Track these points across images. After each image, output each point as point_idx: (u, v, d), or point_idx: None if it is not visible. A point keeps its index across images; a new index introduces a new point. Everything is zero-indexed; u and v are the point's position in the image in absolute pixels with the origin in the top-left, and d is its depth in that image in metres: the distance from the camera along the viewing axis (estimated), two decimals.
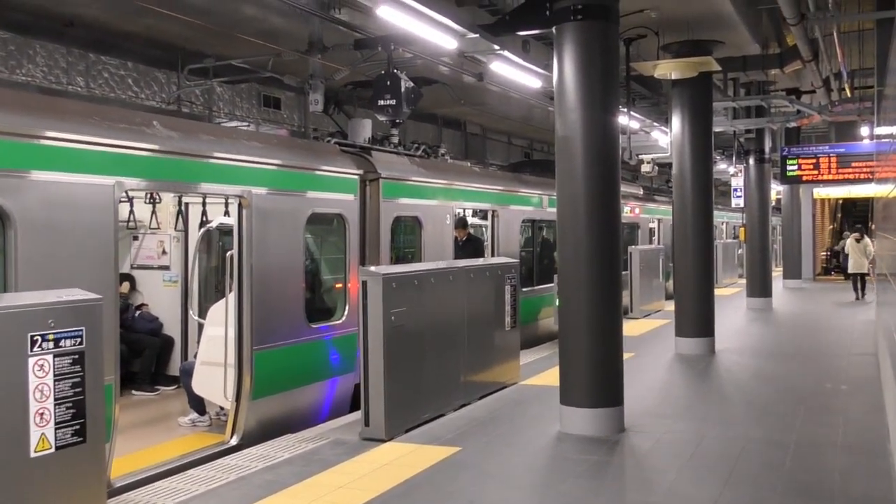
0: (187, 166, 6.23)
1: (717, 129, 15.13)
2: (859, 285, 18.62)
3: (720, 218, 27.76)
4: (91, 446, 4.26)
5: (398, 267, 7.39)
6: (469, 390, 7.93)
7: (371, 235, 8.53)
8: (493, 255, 11.34)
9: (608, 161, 6.81)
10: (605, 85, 6.78)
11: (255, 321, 6.77)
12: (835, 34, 12.40)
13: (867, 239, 18.99)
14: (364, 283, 6.56)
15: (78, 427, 4.19)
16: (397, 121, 8.22)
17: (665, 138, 13.21)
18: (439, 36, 6.86)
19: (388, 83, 8.01)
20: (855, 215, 31.88)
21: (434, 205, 9.75)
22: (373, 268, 6.73)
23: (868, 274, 18.54)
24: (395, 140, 10.37)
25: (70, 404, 4.16)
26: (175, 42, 13.26)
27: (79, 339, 4.19)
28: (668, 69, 9.95)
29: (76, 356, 4.18)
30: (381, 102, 8.05)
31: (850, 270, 19.12)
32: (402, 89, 7.97)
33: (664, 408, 7.64)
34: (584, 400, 6.72)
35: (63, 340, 4.12)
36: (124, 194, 7.23)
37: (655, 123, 12.81)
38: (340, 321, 8.01)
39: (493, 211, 11.45)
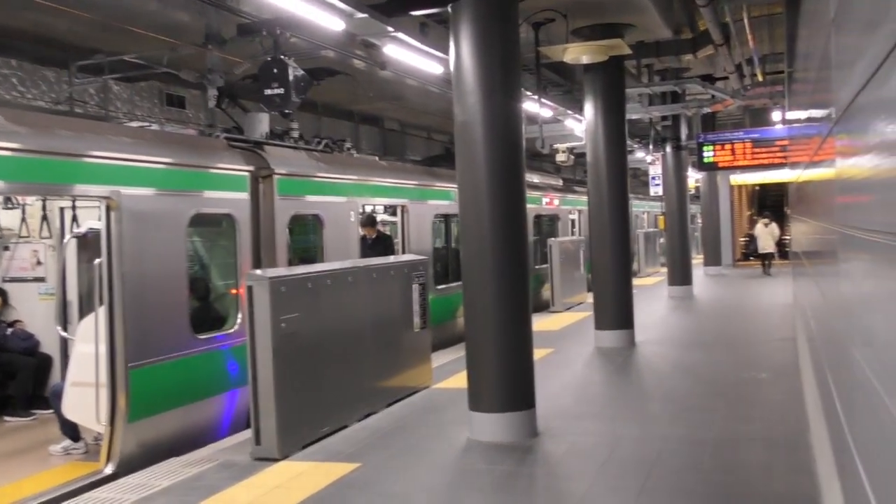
0: (39, 165, 5.54)
1: (632, 116, 14.94)
2: (766, 263, 22.02)
3: (640, 207, 27.84)
4: None
5: (289, 269, 6.82)
6: (375, 398, 7.41)
7: (266, 236, 7.92)
8: (403, 252, 10.83)
9: (511, 147, 6.36)
10: (506, 65, 6.33)
11: (129, 335, 6.11)
12: (745, 19, 12.30)
13: (773, 224, 22.32)
14: (250, 288, 5.98)
15: None
16: (286, 111, 7.62)
17: (580, 127, 12.90)
18: (325, 17, 6.30)
19: (275, 70, 7.41)
20: (769, 201, 32.40)
21: (337, 201, 9.19)
22: (259, 271, 6.14)
23: (773, 254, 22.20)
24: (296, 135, 9.78)
25: None
26: (65, 38, 12.39)
27: None
28: (578, 53, 9.58)
29: None
30: (269, 91, 7.44)
31: (759, 251, 22.40)
32: (291, 77, 7.37)
33: (580, 407, 7.25)
34: (493, 405, 6.27)
35: None
36: None
37: (569, 111, 12.48)
38: (234, 329, 7.40)
39: (403, 206, 10.93)
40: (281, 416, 5.99)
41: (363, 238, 10.60)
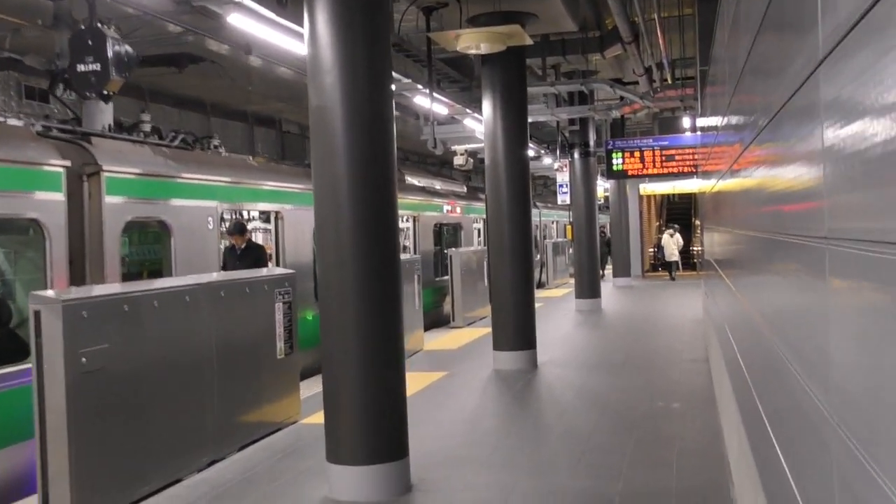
0: None
1: (538, 118, 14.04)
2: (672, 270, 23.82)
3: (549, 217, 27.16)
4: None
5: (96, 288, 5.48)
6: (223, 441, 6.11)
7: (92, 246, 6.53)
8: (277, 265, 9.54)
9: (379, 137, 5.19)
10: (372, 37, 5.17)
11: None
12: (656, 18, 11.55)
13: (678, 234, 23.94)
14: (37, 314, 4.63)
15: None
16: (105, 93, 6.26)
17: (481, 128, 11.86)
18: None
19: (90, 42, 6.04)
20: (676, 211, 32.18)
21: (191, 206, 7.85)
22: (50, 292, 4.82)
23: (677, 262, 24.02)
24: (147, 128, 8.42)
25: None
26: None
27: None
28: (472, 40, 8.50)
29: None
30: (82, 68, 6.07)
31: (665, 259, 24.18)
32: (110, 52, 6.02)
33: (467, 449, 6.11)
34: (354, 456, 5.07)
35: None
36: None
37: (468, 110, 11.42)
38: None
39: (278, 213, 9.64)
40: (79, 479, 4.66)
41: (231, 248, 9.28)
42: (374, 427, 5.10)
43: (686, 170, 16.95)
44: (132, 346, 5.16)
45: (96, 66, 6.01)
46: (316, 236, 5.28)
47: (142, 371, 5.24)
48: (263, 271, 7.81)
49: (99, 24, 6.06)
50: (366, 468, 5.04)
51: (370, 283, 5.12)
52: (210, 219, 8.13)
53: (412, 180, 15.99)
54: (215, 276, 6.55)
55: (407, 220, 14.68)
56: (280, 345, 7.06)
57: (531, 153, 17.74)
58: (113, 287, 5.69)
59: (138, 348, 5.22)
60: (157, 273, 7.68)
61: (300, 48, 7.15)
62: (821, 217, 1.63)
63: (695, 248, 26.00)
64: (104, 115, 7.79)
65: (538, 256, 22.80)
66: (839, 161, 1.50)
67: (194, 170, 8.07)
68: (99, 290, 5.24)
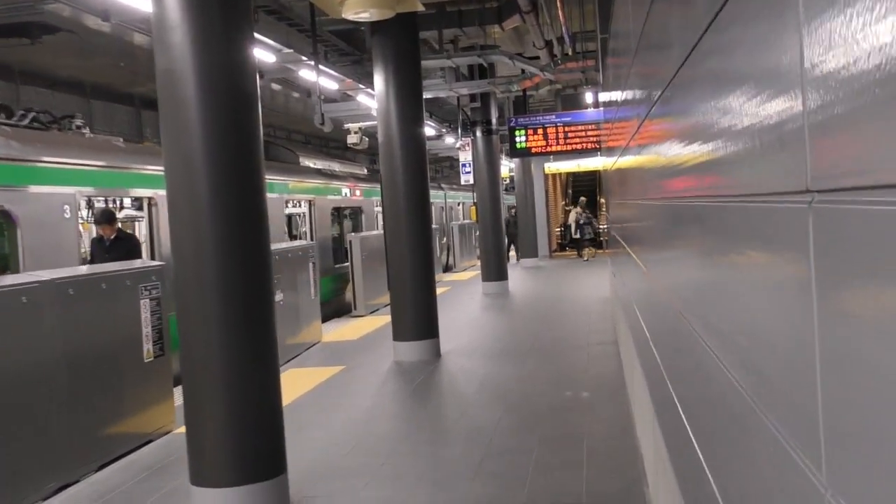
0: None
1: (438, 94, 13.44)
2: (579, 248, 23.50)
3: (455, 198, 26.69)
4: None
5: None
6: (76, 462, 5.33)
7: None
8: (152, 257, 8.68)
9: (240, 103, 4.48)
10: None
11: None
12: None
13: (587, 212, 23.72)
14: None
15: None
16: None
17: (375, 104, 11.16)
18: None
19: None
20: (582, 189, 32.12)
21: (41, 192, 6.94)
22: None
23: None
24: None
25: None
26: None
27: None
28: (359, 6, 7.80)
29: None
30: None
31: (573, 237, 23.73)
32: None
33: (357, 458, 5.47)
34: (222, 477, 4.38)
35: None
36: None
37: (361, 85, 10.70)
38: None
39: (150, 199, 8.75)
40: None
41: (99, 239, 8.36)
42: (243, 441, 4.41)
43: (590, 146, 16.66)
44: None
45: None
46: (170, 222, 4.52)
47: None
48: (136, 264, 6.97)
49: None
50: (234, 490, 4.36)
51: (234, 276, 4.42)
52: (67, 207, 7.23)
53: (307, 162, 15.17)
54: (62, 272, 5.70)
55: (302, 205, 13.89)
56: (148, 347, 6.28)
57: (431, 132, 17.16)
58: None
59: None
60: (3, 270, 6.76)
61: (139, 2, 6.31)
62: (799, 167, 1.06)
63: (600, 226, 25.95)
64: None
65: (444, 239, 22.29)
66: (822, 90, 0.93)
67: (48, 152, 7.15)
68: None
